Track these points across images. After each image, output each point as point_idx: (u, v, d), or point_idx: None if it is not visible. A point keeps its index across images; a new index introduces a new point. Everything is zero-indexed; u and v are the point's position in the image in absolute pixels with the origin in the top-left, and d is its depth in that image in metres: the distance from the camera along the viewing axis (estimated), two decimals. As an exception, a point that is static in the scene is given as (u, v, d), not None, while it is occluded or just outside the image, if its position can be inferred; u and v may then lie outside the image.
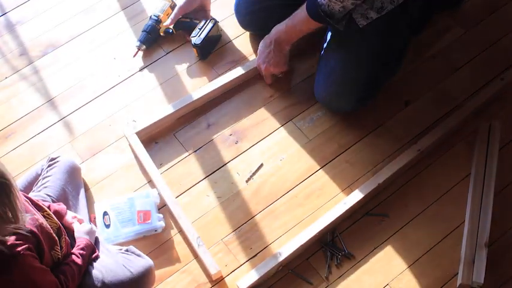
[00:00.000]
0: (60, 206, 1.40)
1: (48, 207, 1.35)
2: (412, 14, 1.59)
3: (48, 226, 1.26)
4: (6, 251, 1.13)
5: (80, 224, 1.41)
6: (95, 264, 1.35)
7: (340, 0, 1.44)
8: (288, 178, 1.62)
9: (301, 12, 1.57)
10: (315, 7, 1.50)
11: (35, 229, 1.20)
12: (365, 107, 1.69)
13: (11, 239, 1.14)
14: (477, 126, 1.64)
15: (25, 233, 1.17)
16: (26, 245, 1.16)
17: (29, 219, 1.19)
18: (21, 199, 1.14)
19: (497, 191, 1.54)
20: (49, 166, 1.51)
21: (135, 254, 1.41)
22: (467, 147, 1.63)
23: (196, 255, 1.50)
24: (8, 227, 1.11)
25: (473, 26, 1.86)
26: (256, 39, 1.86)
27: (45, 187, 1.46)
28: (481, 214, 1.49)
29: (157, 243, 1.53)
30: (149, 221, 1.52)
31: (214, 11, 1.92)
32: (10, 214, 1.10)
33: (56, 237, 1.28)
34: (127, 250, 1.42)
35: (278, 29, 1.66)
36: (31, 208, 1.24)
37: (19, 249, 1.15)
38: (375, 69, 1.61)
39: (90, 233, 1.40)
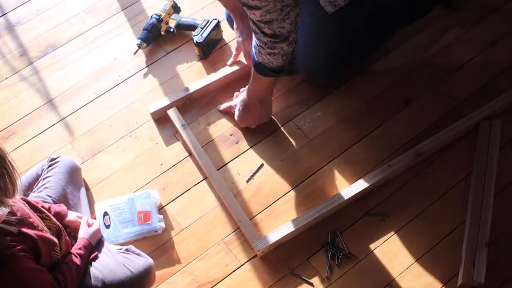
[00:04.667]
0: (61, 208, 1.40)
1: (49, 208, 1.34)
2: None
3: (46, 228, 1.26)
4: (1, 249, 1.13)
5: (89, 225, 1.41)
6: (94, 264, 1.35)
7: (280, 54, 1.49)
8: (289, 178, 1.62)
9: (254, 74, 1.59)
10: (260, 68, 1.55)
11: (31, 233, 1.19)
12: (339, 79, 1.76)
13: (6, 240, 1.14)
14: (478, 125, 1.64)
15: (20, 234, 1.16)
16: (20, 246, 1.16)
17: (26, 223, 1.19)
18: (16, 169, 1.14)
19: (497, 190, 1.54)
20: (49, 166, 1.51)
21: (135, 253, 1.41)
22: (467, 146, 1.63)
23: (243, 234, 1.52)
24: (7, 200, 1.11)
25: (473, 26, 1.86)
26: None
27: (46, 187, 1.46)
28: (481, 213, 1.49)
29: (157, 244, 1.53)
30: (149, 222, 1.52)
31: (214, 11, 1.93)
32: (9, 185, 1.10)
33: (56, 239, 1.28)
34: (127, 250, 1.42)
35: (249, 89, 1.65)
36: (28, 211, 1.24)
37: (12, 250, 1.14)
38: (339, 47, 1.63)
39: (94, 234, 1.40)
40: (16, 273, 1.16)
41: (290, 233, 1.49)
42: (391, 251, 1.49)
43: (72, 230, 1.40)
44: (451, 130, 1.63)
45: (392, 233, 1.52)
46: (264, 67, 1.53)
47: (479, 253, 1.43)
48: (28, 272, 1.18)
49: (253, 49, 1.53)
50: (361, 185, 1.55)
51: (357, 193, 1.54)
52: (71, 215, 1.41)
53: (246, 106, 1.66)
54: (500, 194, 1.54)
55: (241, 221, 1.52)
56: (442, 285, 1.44)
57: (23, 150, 1.71)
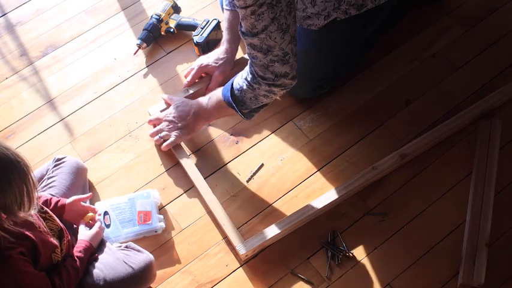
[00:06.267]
0: (61, 200, 1.40)
1: (49, 200, 1.35)
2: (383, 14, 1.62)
3: (47, 230, 1.26)
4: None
5: (91, 225, 1.42)
6: (95, 263, 1.35)
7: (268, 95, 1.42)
8: (289, 178, 1.62)
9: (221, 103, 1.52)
10: (236, 103, 1.47)
11: (32, 235, 1.20)
12: (322, 93, 1.73)
13: (5, 242, 1.14)
14: (478, 125, 1.64)
15: (20, 236, 1.17)
16: (19, 249, 1.16)
17: (27, 224, 1.19)
18: (37, 186, 1.15)
19: (497, 190, 1.54)
20: (55, 166, 1.51)
21: (134, 249, 1.41)
22: (467, 146, 1.63)
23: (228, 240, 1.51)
24: (19, 213, 1.12)
25: (473, 26, 1.86)
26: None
27: (50, 187, 1.47)
28: (481, 213, 1.49)
29: (157, 244, 1.53)
30: (149, 222, 1.52)
31: (214, 11, 1.93)
32: (25, 200, 1.11)
33: (57, 241, 1.28)
34: (127, 246, 1.42)
35: (201, 104, 1.58)
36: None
37: (10, 252, 1.15)
38: (335, 64, 1.63)
39: (94, 236, 1.40)
40: (13, 275, 1.16)
41: (273, 237, 1.48)
42: (391, 251, 1.49)
43: (73, 216, 1.41)
44: (436, 131, 1.63)
45: (393, 232, 1.52)
46: (242, 104, 1.47)
47: (479, 253, 1.43)
48: (25, 276, 1.18)
49: (246, 86, 1.43)
50: (337, 192, 1.55)
51: (332, 201, 1.53)
52: (71, 199, 1.42)
53: (196, 121, 1.60)
54: (500, 194, 1.54)
55: (225, 225, 1.51)
56: (442, 285, 1.44)
57: (23, 150, 1.70)
